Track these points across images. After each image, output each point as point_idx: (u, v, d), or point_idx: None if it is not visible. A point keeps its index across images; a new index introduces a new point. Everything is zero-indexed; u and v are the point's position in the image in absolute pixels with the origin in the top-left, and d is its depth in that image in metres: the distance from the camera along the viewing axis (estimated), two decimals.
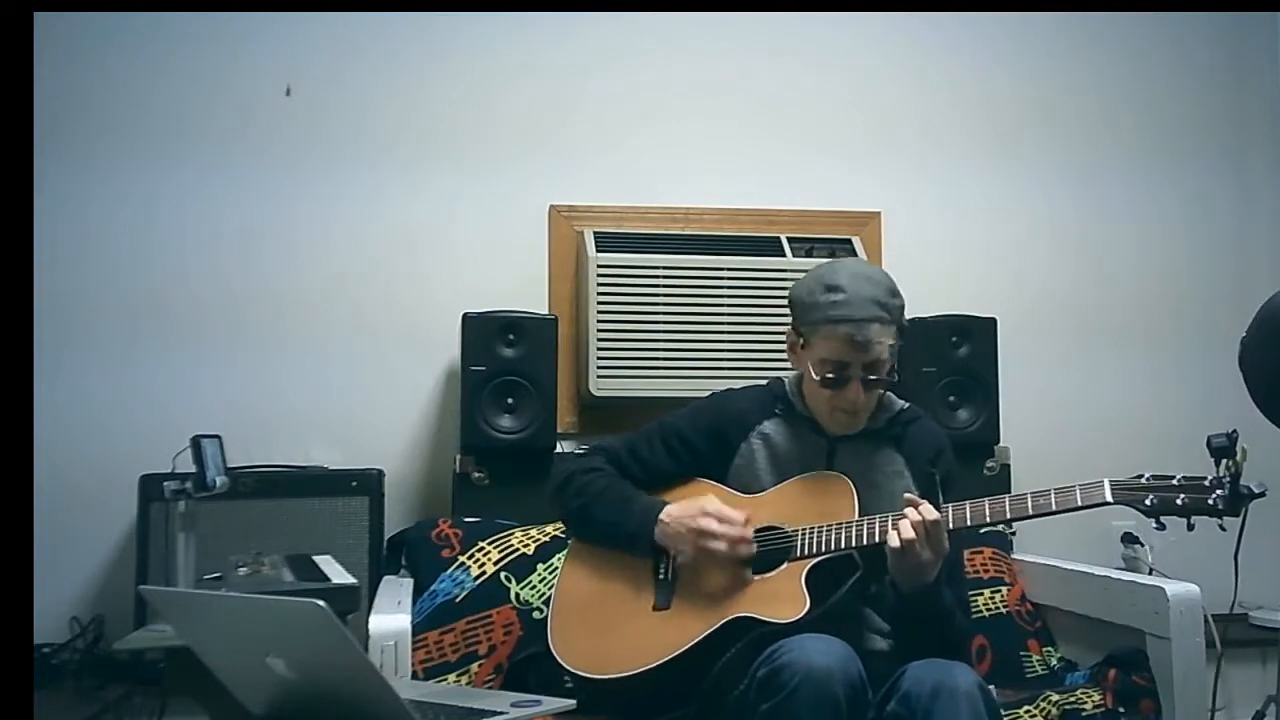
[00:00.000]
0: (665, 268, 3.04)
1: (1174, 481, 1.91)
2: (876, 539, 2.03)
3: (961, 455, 2.48)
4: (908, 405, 2.28)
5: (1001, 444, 3.13)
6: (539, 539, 2.69)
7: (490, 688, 2.46)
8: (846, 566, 2.07)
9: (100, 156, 3.09)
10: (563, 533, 2.55)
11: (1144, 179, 3.53)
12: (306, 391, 3.12)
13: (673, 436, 2.30)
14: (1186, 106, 3.58)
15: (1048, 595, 2.79)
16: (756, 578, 2.10)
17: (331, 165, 3.18)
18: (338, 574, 2.31)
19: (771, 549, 2.11)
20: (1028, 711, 2.27)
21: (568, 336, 3.10)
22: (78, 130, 3.08)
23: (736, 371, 2.91)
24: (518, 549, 2.68)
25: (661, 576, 2.18)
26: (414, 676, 2.30)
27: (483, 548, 2.68)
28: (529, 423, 2.90)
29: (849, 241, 3.19)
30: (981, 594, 2.74)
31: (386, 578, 2.70)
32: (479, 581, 2.61)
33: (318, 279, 3.16)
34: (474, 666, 2.53)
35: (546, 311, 3.09)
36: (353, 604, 2.21)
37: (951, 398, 3.10)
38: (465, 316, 2.92)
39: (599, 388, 2.99)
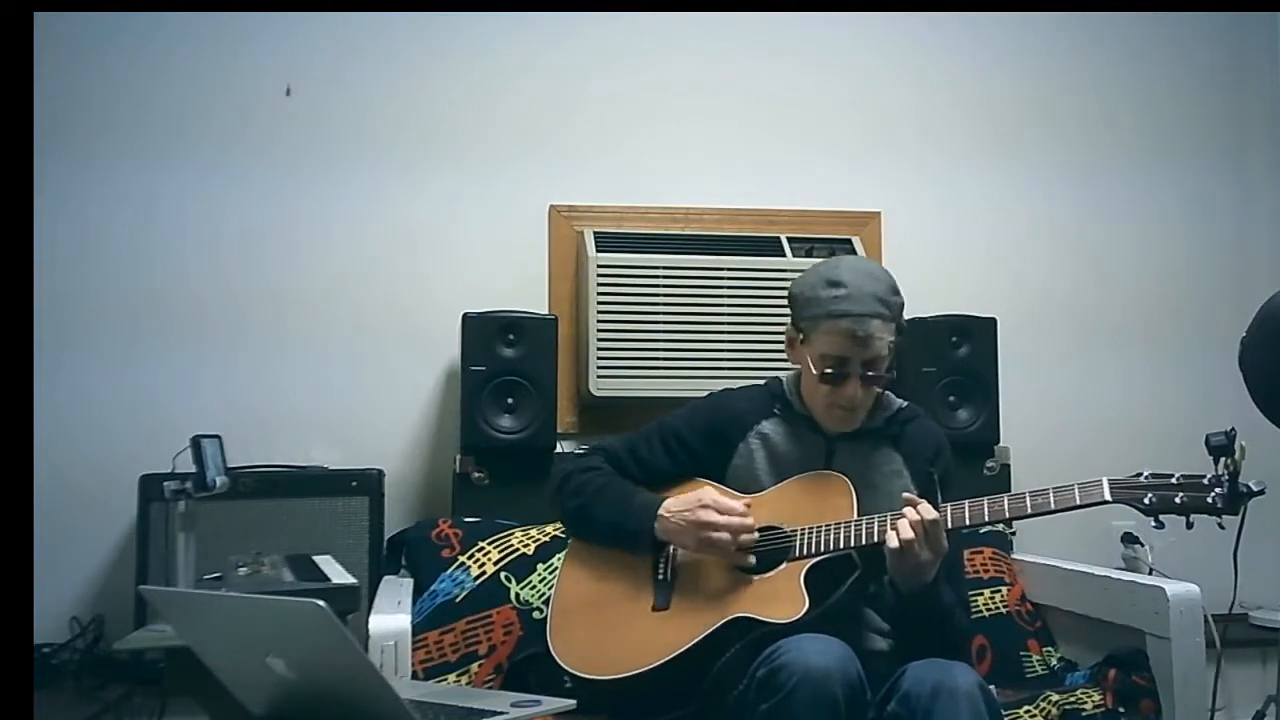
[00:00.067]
0: (665, 268, 3.03)
1: (1173, 480, 1.91)
2: (875, 539, 2.03)
3: (961, 455, 2.48)
4: (906, 404, 2.28)
5: (1001, 444, 3.13)
6: (539, 539, 2.69)
7: (490, 688, 2.46)
8: (845, 566, 2.06)
9: (100, 156, 3.09)
10: (562, 533, 2.55)
11: (1144, 179, 3.53)
12: (306, 391, 3.12)
13: (671, 437, 2.30)
14: (1186, 106, 3.58)
15: (1048, 595, 2.78)
16: (755, 578, 2.10)
17: (331, 165, 3.18)
18: (338, 574, 2.31)
19: (770, 549, 2.11)
20: (1028, 711, 2.27)
21: (568, 336, 3.10)
22: (78, 130, 3.08)
23: (736, 371, 2.90)
24: (518, 549, 2.68)
25: (660, 576, 2.18)
26: (414, 676, 2.30)
27: (483, 548, 2.68)
28: (529, 423, 2.90)
29: (849, 241, 3.19)
30: (981, 594, 2.74)
31: (386, 578, 2.70)
32: (479, 581, 2.61)
33: (318, 279, 3.16)
34: (474, 666, 2.53)
35: (546, 311, 3.09)
36: (353, 604, 2.21)
37: (951, 398, 3.09)
38: (465, 316, 2.92)
39: (599, 388, 2.99)
